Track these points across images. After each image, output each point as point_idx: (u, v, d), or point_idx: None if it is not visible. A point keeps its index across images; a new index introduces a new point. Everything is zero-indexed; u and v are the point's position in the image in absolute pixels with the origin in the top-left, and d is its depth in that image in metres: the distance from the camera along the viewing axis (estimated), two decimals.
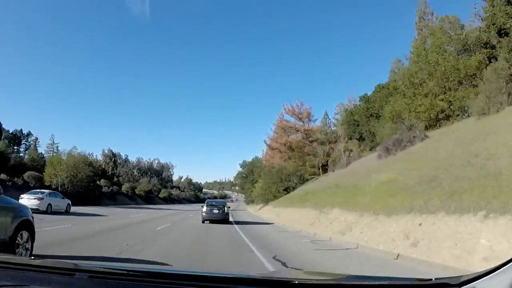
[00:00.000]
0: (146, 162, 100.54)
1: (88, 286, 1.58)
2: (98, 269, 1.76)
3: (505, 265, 1.29)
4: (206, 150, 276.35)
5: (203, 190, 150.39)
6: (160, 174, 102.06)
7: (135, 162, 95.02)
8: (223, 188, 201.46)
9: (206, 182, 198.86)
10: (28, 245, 6.18)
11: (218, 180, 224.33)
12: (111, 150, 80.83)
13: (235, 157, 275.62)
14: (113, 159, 78.56)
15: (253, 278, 1.83)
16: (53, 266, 1.79)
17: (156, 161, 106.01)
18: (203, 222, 19.44)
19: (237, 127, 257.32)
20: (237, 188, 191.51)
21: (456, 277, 1.42)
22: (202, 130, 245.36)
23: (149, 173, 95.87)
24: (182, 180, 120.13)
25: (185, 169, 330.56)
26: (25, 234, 6.11)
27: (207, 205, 20.17)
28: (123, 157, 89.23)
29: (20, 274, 1.64)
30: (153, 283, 1.60)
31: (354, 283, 1.78)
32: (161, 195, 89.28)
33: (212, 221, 19.46)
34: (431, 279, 1.47)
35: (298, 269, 7.37)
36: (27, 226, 6.17)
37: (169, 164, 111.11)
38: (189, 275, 1.81)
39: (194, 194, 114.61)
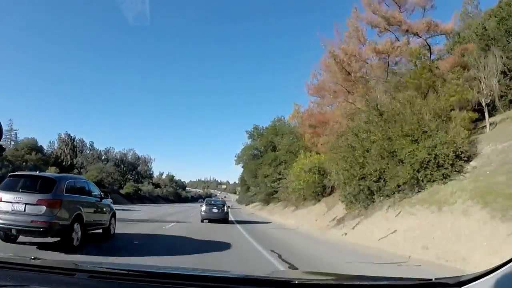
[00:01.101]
0: (118, 153, 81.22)
1: (88, 286, 1.58)
2: (98, 269, 1.76)
3: (505, 265, 1.28)
4: (192, 149, 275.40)
5: (187, 188, 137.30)
6: (135, 167, 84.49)
7: (103, 151, 76.41)
8: (208, 186, 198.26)
9: (190, 180, 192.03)
10: (114, 226, 10.97)
11: (203, 179, 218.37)
12: (69, 134, 63.54)
13: (222, 157, 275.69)
14: (70, 145, 62.33)
15: (253, 278, 1.83)
16: (53, 266, 1.79)
17: (131, 152, 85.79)
18: (202, 221, 19.25)
19: (225, 126, 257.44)
20: (223, 187, 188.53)
21: (456, 277, 1.42)
22: (187, 128, 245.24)
23: (122, 166, 78.58)
24: (163, 176, 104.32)
25: (169, 167, 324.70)
26: (113, 220, 10.91)
27: (206, 204, 20.25)
28: (88, 145, 70.51)
29: (20, 274, 1.64)
30: (153, 283, 1.60)
31: (354, 283, 1.78)
32: (123, 191, 63.64)
33: (212, 221, 19.34)
34: (431, 279, 1.47)
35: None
36: (114, 215, 11.01)
37: (146, 157, 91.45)
38: (189, 275, 1.82)
39: (174, 191, 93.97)
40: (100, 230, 10.05)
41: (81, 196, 8.76)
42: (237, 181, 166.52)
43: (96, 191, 9.97)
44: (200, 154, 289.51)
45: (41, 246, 8.00)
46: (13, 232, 7.64)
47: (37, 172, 10.15)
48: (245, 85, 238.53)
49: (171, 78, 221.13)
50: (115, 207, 11.72)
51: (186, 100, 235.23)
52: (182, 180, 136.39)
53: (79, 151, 65.19)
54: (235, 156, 56.70)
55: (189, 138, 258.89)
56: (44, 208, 7.37)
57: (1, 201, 7.53)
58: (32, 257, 1.87)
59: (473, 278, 1.34)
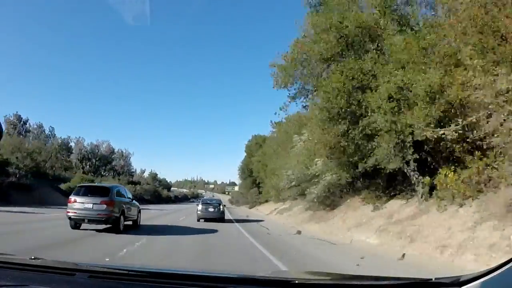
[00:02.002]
0: (89, 144, 65.15)
1: (88, 286, 1.58)
2: (98, 269, 1.76)
3: (505, 265, 1.28)
4: (178, 149, 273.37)
5: (172, 188, 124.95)
6: (109, 161, 69.33)
7: (64, 139, 57.91)
8: (195, 186, 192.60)
9: (177, 180, 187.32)
10: (140, 220, 14.59)
11: (189, 179, 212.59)
12: (19, 116, 49.95)
13: (209, 157, 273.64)
14: (18, 128, 48.44)
15: (253, 278, 1.83)
16: (53, 266, 1.79)
17: (105, 144, 69.01)
18: (198, 220, 19.56)
19: (213, 126, 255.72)
20: (211, 187, 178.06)
21: (456, 276, 1.42)
22: (174, 128, 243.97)
23: (94, 160, 64.59)
24: (146, 174, 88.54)
25: (155, 167, 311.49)
26: (139, 214, 14.57)
27: (202, 203, 20.69)
28: (48, 131, 54.24)
29: (20, 274, 1.64)
30: (153, 283, 1.60)
31: (354, 283, 1.78)
32: (65, 186, 38.94)
33: (207, 220, 19.62)
34: (431, 279, 1.47)
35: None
36: (140, 211, 14.68)
37: (124, 151, 75.00)
38: (189, 275, 1.82)
39: (153, 189, 76.25)
40: (130, 222, 13.67)
41: (123, 198, 12.96)
42: (225, 181, 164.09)
43: (129, 195, 14.35)
44: (187, 154, 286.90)
45: (99, 231, 11.66)
46: (86, 221, 11.51)
47: (96, 183, 14.65)
48: (240, 84, 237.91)
49: (157, 75, 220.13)
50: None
51: (174, 100, 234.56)
52: (168, 180, 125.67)
53: (34, 138, 49.83)
54: (275, 65, 15.76)
55: (176, 138, 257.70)
56: (104, 206, 11.40)
57: (76, 202, 11.46)
58: (32, 257, 1.87)
59: (473, 278, 1.34)
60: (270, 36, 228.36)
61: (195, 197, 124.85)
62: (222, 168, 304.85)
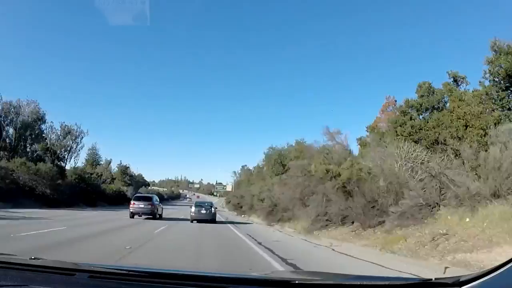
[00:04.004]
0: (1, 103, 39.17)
1: (88, 286, 1.58)
2: (98, 269, 1.76)
3: (505, 265, 1.28)
4: (162, 147, 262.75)
5: (151, 187, 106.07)
6: (36, 134, 42.21)
7: None
8: (178, 186, 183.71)
9: (160, 180, 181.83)
10: (162, 214, 25.56)
11: (173, 178, 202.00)
12: None
13: (194, 156, 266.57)
14: None
15: (253, 278, 1.83)
16: (53, 266, 1.79)
17: (30, 107, 41.32)
18: (191, 221, 20.93)
19: (200, 126, 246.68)
20: (196, 186, 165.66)
21: (456, 277, 1.42)
22: (159, 126, 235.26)
23: (9, 129, 39.10)
24: (114, 167, 67.83)
25: (139, 166, 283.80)
26: (163, 211, 26.62)
27: (195, 206, 22.60)
28: None
29: (20, 274, 1.64)
30: (153, 283, 1.60)
31: (354, 283, 1.78)
32: None
33: (200, 221, 20.88)
34: (431, 279, 1.48)
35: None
36: (162, 209, 26.47)
37: (75, 127, 45.72)
38: (189, 275, 1.82)
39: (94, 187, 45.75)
40: (158, 216, 23.13)
41: (156, 202, 23.55)
42: (211, 182, 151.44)
43: (158, 198, 25.50)
44: (172, 154, 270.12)
45: (145, 219, 21.11)
46: (140, 214, 21.86)
47: (144, 194, 31.76)
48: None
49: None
50: None
51: (162, 99, 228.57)
52: (152, 180, 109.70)
53: None
54: None
55: (163, 138, 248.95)
56: (150, 206, 22.37)
57: (134, 204, 22.23)
58: (32, 257, 1.87)
59: (473, 278, 1.34)
60: (268, 38, 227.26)
61: (175, 198, 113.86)
62: (208, 169, 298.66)
